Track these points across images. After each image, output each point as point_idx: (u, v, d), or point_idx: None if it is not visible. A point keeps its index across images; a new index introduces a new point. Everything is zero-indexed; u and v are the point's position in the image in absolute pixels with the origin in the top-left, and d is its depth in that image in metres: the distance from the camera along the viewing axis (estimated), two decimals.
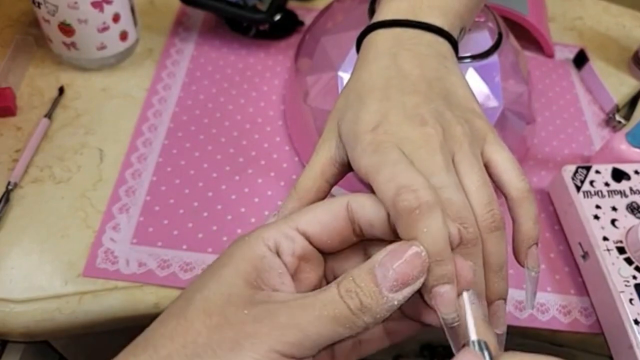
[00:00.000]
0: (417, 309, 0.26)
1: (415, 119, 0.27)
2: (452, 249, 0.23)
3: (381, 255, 0.22)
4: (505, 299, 0.27)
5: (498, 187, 0.29)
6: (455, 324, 0.23)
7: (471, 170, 0.27)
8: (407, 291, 0.22)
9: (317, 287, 0.26)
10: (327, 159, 0.29)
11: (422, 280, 0.22)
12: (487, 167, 0.28)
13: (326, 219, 0.25)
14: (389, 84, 0.29)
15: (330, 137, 0.29)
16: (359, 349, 0.27)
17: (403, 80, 0.29)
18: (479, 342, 0.22)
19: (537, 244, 0.28)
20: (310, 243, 0.25)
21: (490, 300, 0.27)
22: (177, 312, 0.23)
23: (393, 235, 0.24)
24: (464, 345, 0.22)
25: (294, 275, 0.25)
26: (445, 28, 0.32)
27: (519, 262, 0.29)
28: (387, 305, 0.22)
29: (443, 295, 0.23)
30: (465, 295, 0.23)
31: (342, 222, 0.24)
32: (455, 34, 0.33)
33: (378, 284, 0.22)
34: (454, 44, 0.32)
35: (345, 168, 0.29)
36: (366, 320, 0.22)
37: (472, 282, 0.24)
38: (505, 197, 0.29)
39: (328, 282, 0.27)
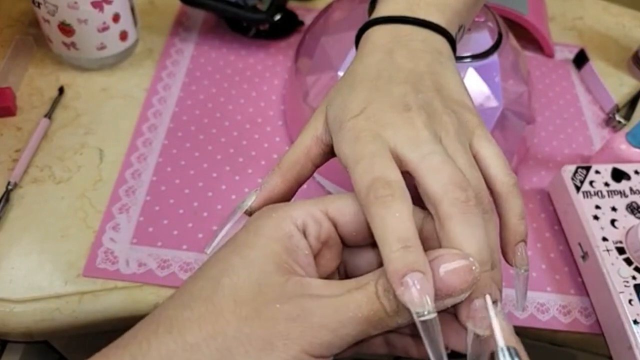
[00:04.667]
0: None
1: (399, 106, 0.27)
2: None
3: (431, 257, 0.22)
4: (499, 290, 0.26)
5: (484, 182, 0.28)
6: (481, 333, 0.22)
7: (456, 154, 0.26)
8: (449, 302, 0.21)
9: (331, 277, 0.26)
10: (313, 138, 0.29)
11: (467, 294, 0.21)
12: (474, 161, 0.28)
13: (358, 209, 0.24)
14: (379, 75, 0.29)
15: (318, 119, 0.29)
16: (359, 346, 0.26)
17: (394, 72, 0.29)
18: (508, 348, 0.21)
19: (525, 241, 0.27)
20: (337, 230, 0.25)
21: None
22: (204, 296, 0.22)
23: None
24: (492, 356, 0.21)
25: (315, 260, 0.24)
26: (442, 25, 0.32)
27: (506, 260, 0.28)
28: None
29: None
30: (488, 299, 0.22)
31: None
32: (453, 31, 0.33)
33: None
34: (451, 41, 0.32)
35: (331, 150, 0.29)
36: (399, 322, 0.21)
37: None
38: (491, 192, 0.28)
39: (340, 274, 0.27)
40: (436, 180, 0.24)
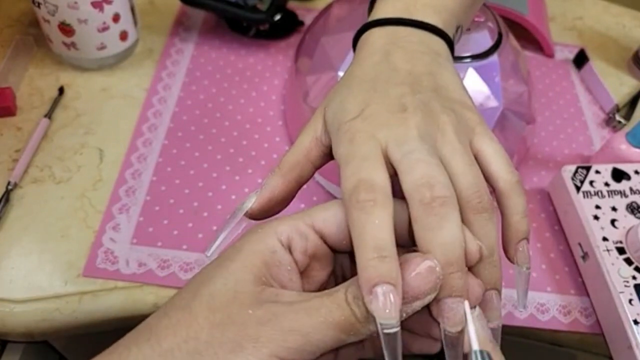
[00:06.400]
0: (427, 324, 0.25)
1: (396, 107, 0.27)
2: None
3: (400, 261, 0.22)
4: (499, 290, 0.26)
5: (487, 180, 0.28)
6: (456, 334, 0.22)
7: (455, 153, 0.26)
8: (417, 305, 0.21)
9: (325, 284, 0.26)
10: (313, 139, 0.29)
11: (433, 295, 0.22)
12: (475, 159, 0.28)
13: (343, 217, 0.24)
14: (377, 77, 0.29)
15: (318, 120, 0.29)
16: (362, 351, 0.26)
17: (392, 74, 0.29)
18: (481, 352, 0.21)
19: (527, 239, 0.27)
20: (325, 241, 0.25)
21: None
22: (182, 305, 0.22)
23: (411, 243, 0.24)
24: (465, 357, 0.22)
25: (303, 273, 0.25)
26: (439, 26, 0.32)
27: (508, 258, 0.28)
28: None
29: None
30: (466, 304, 0.22)
31: None
32: (450, 32, 0.33)
33: None
34: (449, 41, 0.33)
35: (330, 152, 0.29)
36: (371, 329, 0.21)
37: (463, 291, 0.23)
38: (494, 190, 0.28)
39: (337, 280, 0.27)
40: (408, 180, 0.24)
